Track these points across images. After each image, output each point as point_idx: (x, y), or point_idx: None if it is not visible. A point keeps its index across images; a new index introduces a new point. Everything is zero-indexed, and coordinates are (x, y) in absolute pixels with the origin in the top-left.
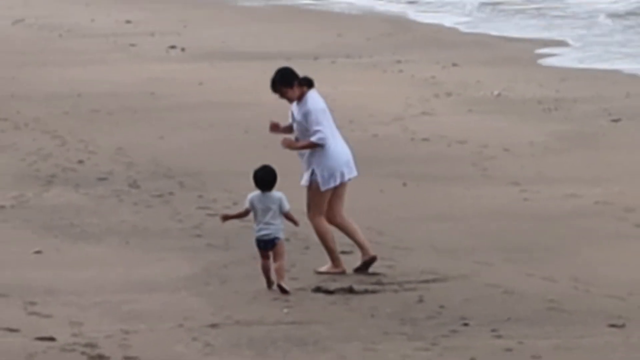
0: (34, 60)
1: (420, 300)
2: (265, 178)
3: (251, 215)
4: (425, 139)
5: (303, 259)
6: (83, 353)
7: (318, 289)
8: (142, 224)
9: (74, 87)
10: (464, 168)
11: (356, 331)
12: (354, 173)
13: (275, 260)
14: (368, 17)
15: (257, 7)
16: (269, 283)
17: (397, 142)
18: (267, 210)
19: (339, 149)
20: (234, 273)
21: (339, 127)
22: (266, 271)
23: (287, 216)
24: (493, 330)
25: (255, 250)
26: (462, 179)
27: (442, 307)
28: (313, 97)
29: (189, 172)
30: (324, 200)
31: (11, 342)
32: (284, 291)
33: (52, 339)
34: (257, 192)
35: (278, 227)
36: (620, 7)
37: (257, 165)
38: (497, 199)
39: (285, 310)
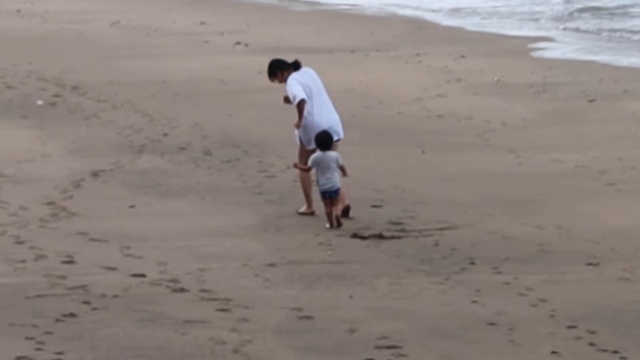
0: (128, 54)
1: (436, 244)
2: (325, 140)
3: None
4: (439, 116)
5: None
6: (167, 287)
7: (354, 235)
8: (214, 184)
9: (160, 75)
10: (470, 139)
11: (385, 269)
12: (337, 136)
13: (334, 205)
14: (393, 19)
15: (305, 11)
16: (332, 224)
17: (416, 118)
18: (328, 167)
19: (319, 119)
20: (287, 223)
21: (369, 107)
22: (330, 214)
23: (341, 168)
24: (494, 268)
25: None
26: (469, 147)
27: (453, 249)
28: (292, 77)
29: (252, 142)
30: (308, 155)
31: (110, 278)
32: (346, 212)
33: (143, 275)
34: (318, 152)
35: (337, 179)
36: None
37: None
38: (496, 163)
39: (328, 252)
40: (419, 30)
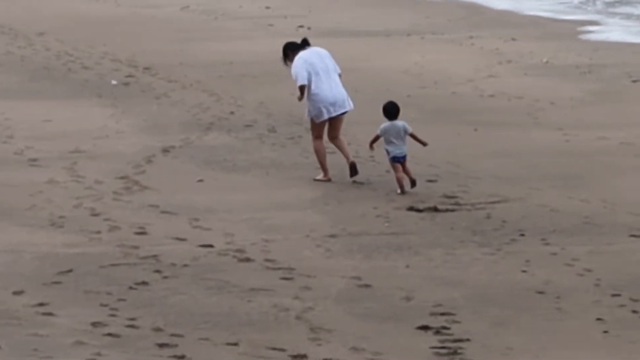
0: (197, 37)
1: (488, 217)
2: (392, 110)
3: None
4: (491, 95)
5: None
6: (234, 257)
7: (411, 208)
8: (278, 159)
9: (227, 57)
10: (520, 117)
11: (439, 240)
12: (343, 109)
13: (404, 168)
14: (449, 4)
15: None
16: (402, 189)
17: (469, 97)
18: (397, 134)
19: (324, 93)
20: (346, 196)
21: (425, 87)
22: (400, 179)
23: (413, 136)
24: (542, 240)
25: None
26: (519, 125)
27: (504, 221)
28: (298, 56)
29: None
30: (319, 128)
31: (180, 248)
32: (414, 184)
33: (211, 246)
34: (386, 122)
35: (405, 146)
36: None
37: (366, 116)
38: (545, 140)
39: (386, 224)
40: (473, 15)
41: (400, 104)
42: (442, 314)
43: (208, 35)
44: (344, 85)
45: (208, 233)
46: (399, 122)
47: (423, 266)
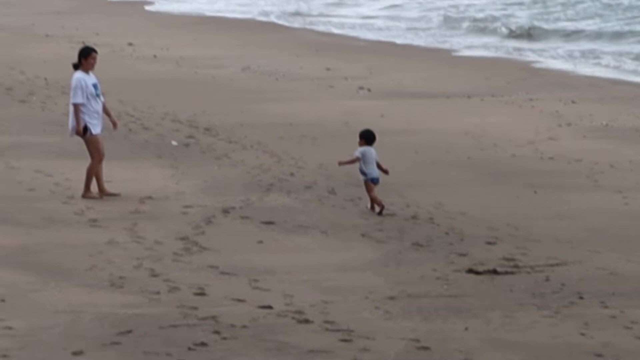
0: (257, 98)
1: (547, 279)
2: (372, 136)
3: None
4: (550, 158)
5: (454, 244)
6: (293, 318)
7: (470, 270)
8: (337, 220)
9: (287, 118)
10: (579, 180)
11: (498, 302)
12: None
13: (373, 196)
14: (508, 65)
15: (424, 56)
16: (380, 207)
17: (529, 160)
18: (372, 159)
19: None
20: (405, 258)
21: (485, 149)
22: (376, 198)
23: (379, 166)
24: (601, 302)
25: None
26: (578, 187)
27: (563, 284)
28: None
29: None
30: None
31: (240, 309)
32: (382, 209)
33: (270, 307)
34: (365, 147)
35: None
36: None
37: (425, 178)
38: (604, 203)
39: (445, 286)
40: (532, 76)
41: (459, 166)
42: None
43: (269, 96)
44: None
45: (267, 294)
46: (373, 149)
47: (482, 329)
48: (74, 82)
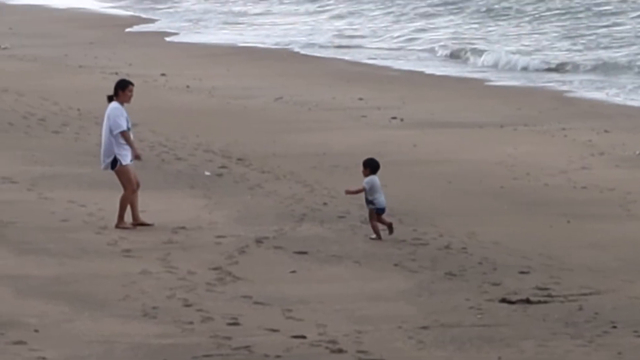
0: (290, 128)
1: (580, 309)
2: (376, 165)
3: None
4: (583, 187)
5: (485, 273)
6: (326, 348)
7: (503, 300)
8: (370, 250)
9: (320, 148)
10: (612, 209)
11: (531, 332)
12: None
13: (383, 219)
14: (540, 95)
15: (456, 86)
16: (379, 235)
17: (562, 189)
18: (379, 187)
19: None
20: (438, 287)
21: (517, 179)
22: (378, 227)
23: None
24: (635, 332)
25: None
26: (611, 217)
27: (596, 313)
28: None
29: (406, 211)
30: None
31: (273, 339)
32: (391, 226)
33: (303, 337)
34: (371, 176)
35: None
36: None
37: (458, 208)
38: (637, 232)
39: (478, 316)
40: (564, 106)
41: (492, 195)
42: None
43: (301, 126)
44: None
45: (301, 324)
46: (376, 177)
47: (515, 358)
48: (113, 112)
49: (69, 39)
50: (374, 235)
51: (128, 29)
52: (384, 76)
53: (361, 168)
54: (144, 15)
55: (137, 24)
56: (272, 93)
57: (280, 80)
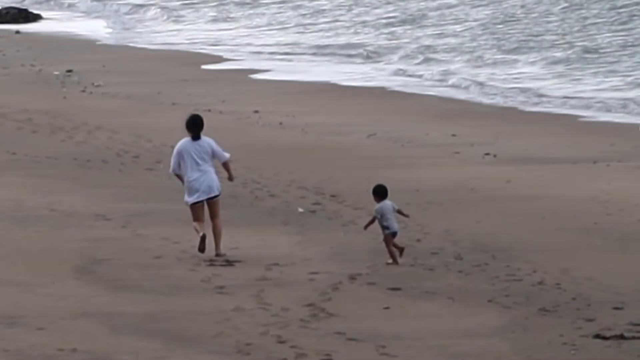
0: (384, 164)
1: None
2: (383, 191)
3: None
4: None
5: (567, 301)
6: None
7: (597, 336)
8: (464, 286)
9: (413, 184)
10: None
11: None
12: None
13: (394, 244)
14: (633, 130)
15: (549, 121)
16: (395, 260)
17: None
18: (390, 212)
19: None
20: (532, 323)
21: (611, 214)
22: (394, 252)
23: (399, 211)
24: None
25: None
26: None
27: None
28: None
29: (500, 247)
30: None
31: None
32: (402, 250)
33: None
34: (381, 203)
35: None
36: None
37: (553, 244)
38: None
39: (572, 352)
40: None
41: (586, 231)
42: None
43: (395, 163)
44: None
45: None
46: (388, 201)
47: None
48: (214, 143)
49: (162, 76)
50: (390, 260)
51: (217, 66)
52: (476, 112)
53: (445, 205)
54: (230, 56)
55: (225, 61)
56: (365, 130)
57: (374, 117)
